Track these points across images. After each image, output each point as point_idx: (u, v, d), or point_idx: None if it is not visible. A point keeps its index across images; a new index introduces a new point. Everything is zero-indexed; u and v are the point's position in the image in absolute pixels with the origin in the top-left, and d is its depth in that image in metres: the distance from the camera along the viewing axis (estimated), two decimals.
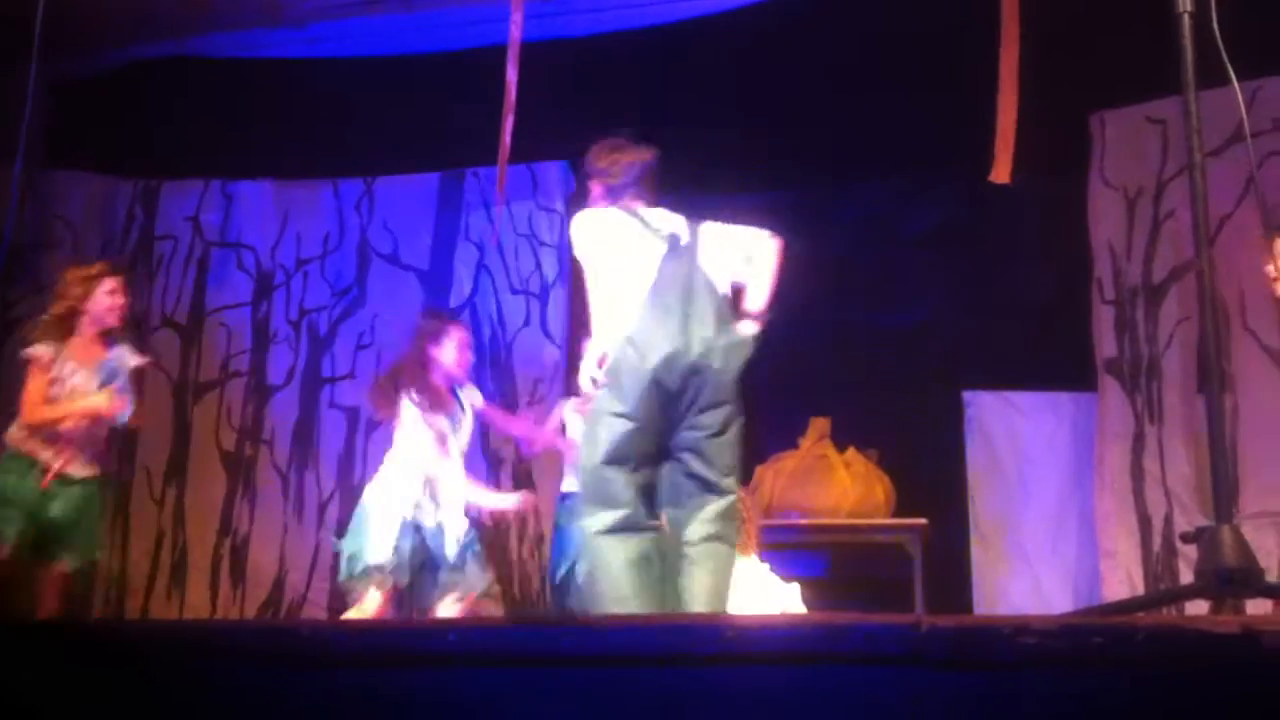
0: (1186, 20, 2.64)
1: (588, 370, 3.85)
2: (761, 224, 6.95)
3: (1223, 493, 2.36)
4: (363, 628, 2.16)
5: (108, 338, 4.94)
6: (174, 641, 1.89)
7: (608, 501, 3.64)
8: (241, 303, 6.78)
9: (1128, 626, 1.55)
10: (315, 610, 6.41)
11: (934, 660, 1.62)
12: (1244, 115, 2.84)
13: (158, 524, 6.53)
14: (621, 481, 3.64)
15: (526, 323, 6.49)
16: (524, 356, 6.46)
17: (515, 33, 4.93)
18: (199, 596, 6.38)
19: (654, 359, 3.67)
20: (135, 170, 6.85)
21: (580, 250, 4.00)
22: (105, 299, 4.87)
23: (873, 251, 6.89)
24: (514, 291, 6.53)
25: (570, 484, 5.34)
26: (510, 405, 6.26)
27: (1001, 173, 4.10)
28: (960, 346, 6.17)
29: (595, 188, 4.21)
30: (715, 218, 6.95)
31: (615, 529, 3.62)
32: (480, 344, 6.44)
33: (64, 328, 4.82)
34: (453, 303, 6.53)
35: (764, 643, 1.73)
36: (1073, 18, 5.42)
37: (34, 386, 4.73)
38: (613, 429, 3.67)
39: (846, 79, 6.13)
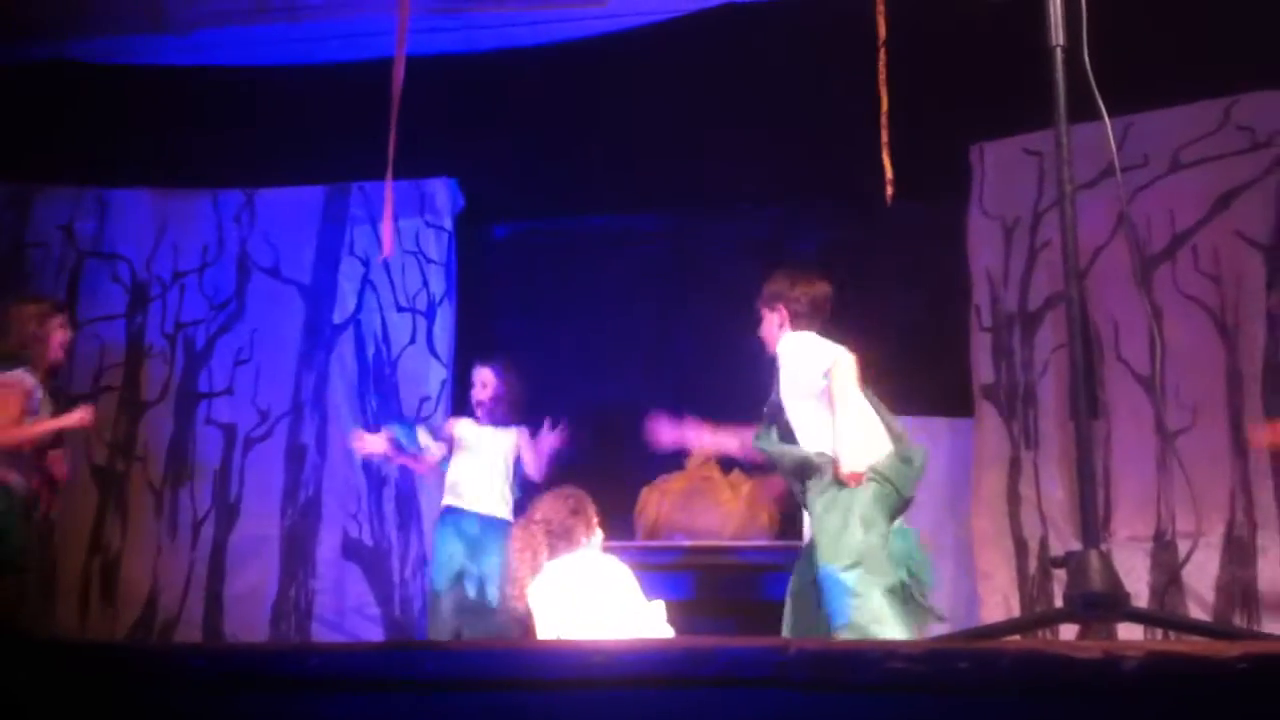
0: (1059, 54, 2.71)
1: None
2: (645, 246, 7.02)
3: (1091, 519, 2.41)
4: (224, 650, 2.10)
5: (53, 371, 5.08)
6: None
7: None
8: (115, 314, 6.59)
9: (993, 652, 1.56)
10: (189, 631, 6.24)
11: (800, 683, 1.62)
12: (1114, 150, 2.87)
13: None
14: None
15: (412, 340, 6.41)
16: (409, 375, 6.38)
17: (400, 46, 4.89)
18: (69, 614, 6.17)
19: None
20: (7, 174, 6.63)
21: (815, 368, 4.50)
22: (59, 334, 5.00)
23: (756, 275, 6.95)
24: (400, 309, 6.45)
25: (450, 500, 5.37)
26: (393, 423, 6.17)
27: (890, 194, 4.18)
28: None
29: (781, 312, 4.76)
30: (597, 237, 7.03)
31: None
32: (364, 362, 6.36)
33: (23, 359, 4.85)
34: (336, 319, 6.43)
35: (631, 666, 1.72)
36: (955, 50, 5.54)
37: (11, 408, 4.75)
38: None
39: (733, 103, 6.18)
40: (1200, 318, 5.68)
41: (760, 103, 6.17)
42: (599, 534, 4.61)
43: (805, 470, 4.32)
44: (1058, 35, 2.72)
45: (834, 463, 4.23)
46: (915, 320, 6.44)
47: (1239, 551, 5.29)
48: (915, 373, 6.24)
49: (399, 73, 4.73)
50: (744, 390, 6.59)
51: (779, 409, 4.53)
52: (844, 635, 3.94)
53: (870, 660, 1.59)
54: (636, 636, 4.15)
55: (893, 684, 1.58)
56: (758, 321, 4.69)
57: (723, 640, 1.69)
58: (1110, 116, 5.81)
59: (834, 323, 6.61)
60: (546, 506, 4.58)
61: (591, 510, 4.62)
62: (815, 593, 4.20)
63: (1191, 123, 5.81)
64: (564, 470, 5.78)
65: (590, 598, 4.32)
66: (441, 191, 6.50)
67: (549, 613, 4.34)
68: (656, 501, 5.78)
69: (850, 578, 3.98)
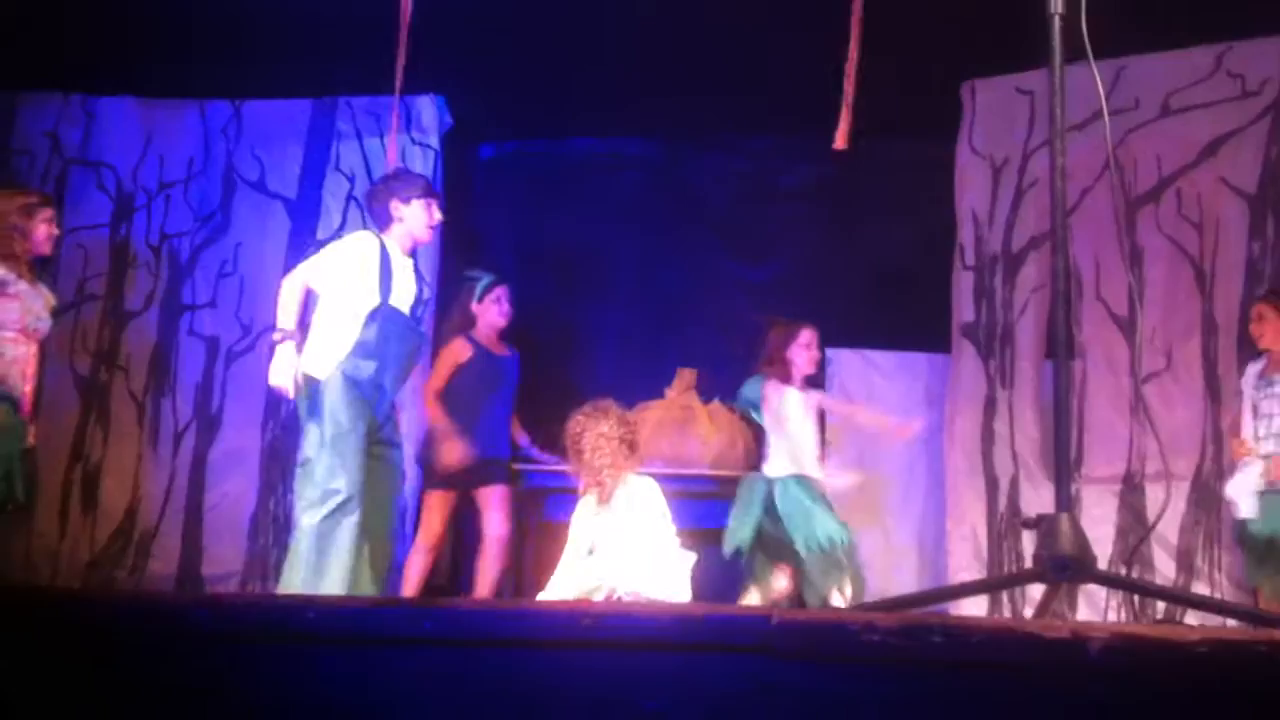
0: (1056, 22, 2.71)
1: None
2: (631, 171, 7.00)
3: (1063, 482, 2.47)
4: (223, 601, 2.15)
5: (37, 267, 4.97)
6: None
7: None
8: (100, 224, 6.56)
9: (966, 628, 1.63)
10: (167, 543, 6.30)
11: (784, 652, 1.68)
12: (1102, 95, 2.89)
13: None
14: None
15: None
16: None
17: None
18: (49, 524, 6.22)
19: None
20: None
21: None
22: (44, 228, 4.88)
23: (745, 205, 6.97)
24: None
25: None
26: None
27: (842, 138, 4.17)
28: (825, 304, 6.28)
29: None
30: (584, 161, 7.00)
31: None
32: None
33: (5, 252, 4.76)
34: (320, 234, 6.41)
35: (621, 630, 1.77)
36: None
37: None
38: None
39: (726, 32, 6.12)
40: (1181, 263, 5.73)
41: (753, 32, 6.11)
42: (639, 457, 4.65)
43: None
44: (1057, 4, 2.72)
45: None
46: (900, 257, 6.48)
47: (1205, 496, 5.40)
48: (898, 309, 6.31)
49: None
50: (726, 319, 6.67)
51: None
52: None
53: (848, 632, 1.65)
54: (670, 575, 4.23)
55: (869, 656, 1.65)
56: None
57: (712, 608, 1.75)
58: (1104, 58, 5.84)
59: (818, 258, 6.68)
60: (615, 420, 4.52)
61: (639, 437, 4.67)
62: None
63: (1183, 69, 5.81)
64: (545, 394, 5.85)
65: (646, 527, 4.35)
66: (429, 109, 6.45)
67: (603, 535, 4.38)
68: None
69: None
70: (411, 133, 6.41)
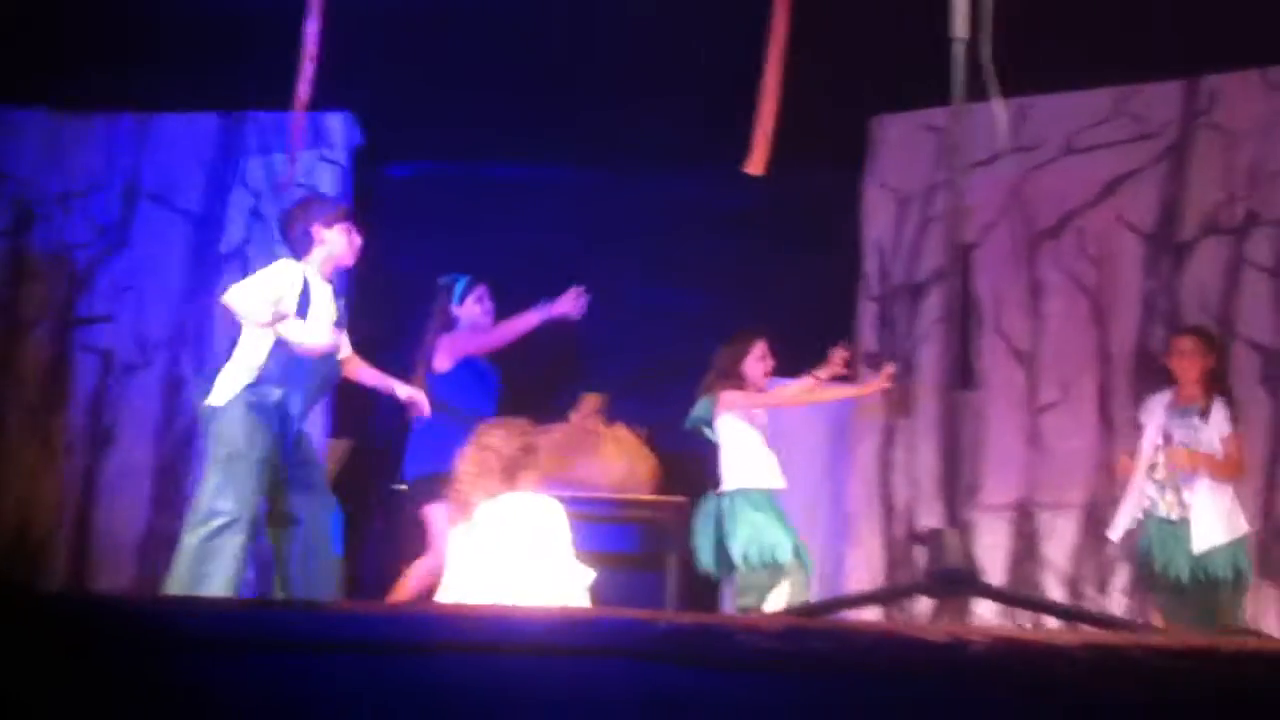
0: (960, 47, 2.76)
1: None
2: (546, 198, 6.97)
3: (954, 497, 2.50)
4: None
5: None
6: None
7: None
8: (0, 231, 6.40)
9: (849, 632, 1.63)
10: (57, 559, 6.14)
11: (671, 657, 1.67)
12: (1003, 132, 2.95)
13: None
14: None
15: None
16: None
17: None
18: None
19: None
20: None
21: None
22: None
23: (661, 234, 6.98)
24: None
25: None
26: None
27: (757, 165, 4.21)
28: (736, 331, 6.31)
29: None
30: (498, 185, 6.96)
31: None
32: None
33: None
34: (223, 250, 6.31)
35: (508, 634, 1.75)
36: (861, 24, 5.59)
37: None
38: None
39: (645, 61, 6.15)
40: (1078, 298, 5.87)
41: (671, 62, 6.15)
42: (537, 475, 4.44)
43: None
44: (960, 28, 2.77)
45: None
46: (809, 287, 6.54)
47: (1097, 526, 5.50)
48: (807, 339, 6.34)
49: (315, 4, 4.64)
50: (641, 346, 6.68)
51: None
52: None
53: (735, 637, 1.65)
54: (553, 594, 4.13)
55: (755, 661, 1.64)
56: None
57: (599, 611, 1.74)
58: (1009, 97, 5.97)
59: (732, 289, 6.71)
60: (501, 436, 4.38)
61: (538, 450, 4.46)
62: None
63: (1086, 109, 5.98)
64: (457, 421, 5.78)
65: (517, 546, 4.18)
66: (338, 125, 6.38)
67: (468, 556, 4.22)
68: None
69: None
70: (320, 149, 6.35)
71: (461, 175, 6.99)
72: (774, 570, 5.05)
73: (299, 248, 4.62)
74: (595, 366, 6.59)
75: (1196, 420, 4.99)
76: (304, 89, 4.50)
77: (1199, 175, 5.71)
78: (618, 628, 1.69)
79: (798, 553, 5.13)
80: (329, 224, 4.61)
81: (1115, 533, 5.08)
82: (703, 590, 5.72)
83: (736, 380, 5.39)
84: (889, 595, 2.50)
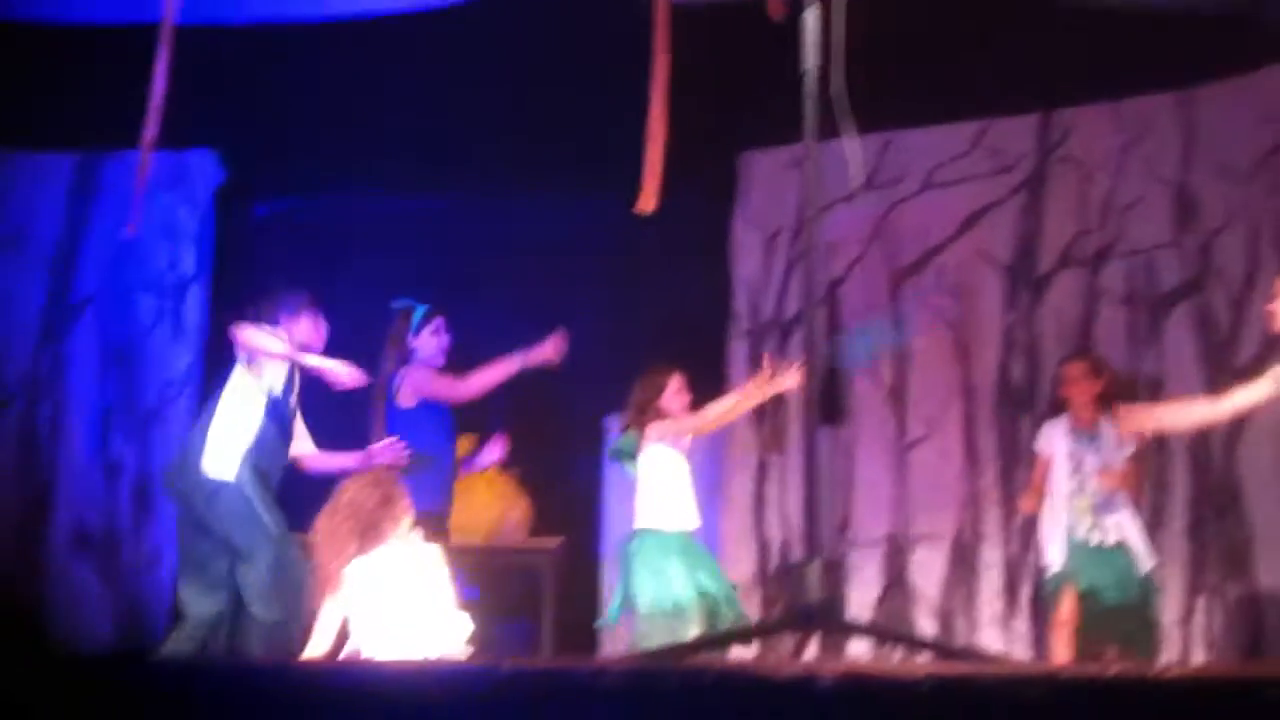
0: (811, 78, 2.79)
1: None
2: (414, 232, 6.90)
3: (815, 531, 2.50)
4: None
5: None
6: None
7: None
8: None
9: (699, 670, 1.61)
10: None
11: (517, 701, 1.63)
12: (857, 167, 2.98)
13: None
14: None
15: (160, 320, 6.15)
16: (155, 357, 6.11)
17: (168, 14, 4.67)
18: None
19: None
20: None
21: None
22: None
23: (532, 267, 6.94)
24: (149, 287, 6.17)
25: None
26: (133, 407, 5.92)
27: (647, 202, 4.21)
28: (606, 371, 6.29)
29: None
30: (366, 219, 6.86)
31: None
32: (108, 341, 6.07)
33: None
34: (79, 295, 6.12)
35: (354, 682, 1.71)
36: (729, 61, 5.65)
37: None
38: None
39: (512, 92, 6.15)
40: (942, 332, 5.96)
41: (539, 95, 6.15)
42: (408, 522, 4.24)
43: None
44: (811, 59, 2.80)
45: None
46: (680, 322, 6.55)
47: (965, 558, 5.58)
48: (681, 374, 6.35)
49: (166, 38, 4.52)
50: (517, 387, 6.61)
51: None
52: None
53: (582, 679, 1.61)
54: (436, 644, 4.02)
55: (605, 701, 1.61)
56: None
57: (444, 660, 1.69)
58: (870, 132, 6.07)
59: (603, 323, 6.70)
60: (354, 493, 4.17)
61: (402, 495, 4.24)
62: None
63: (946, 144, 6.10)
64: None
65: (399, 598, 4.05)
66: (199, 163, 6.25)
67: (361, 616, 4.06)
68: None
69: None
70: (181, 188, 6.20)
71: (329, 210, 6.88)
72: (675, 617, 4.80)
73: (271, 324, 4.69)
74: (465, 407, 6.49)
75: (1099, 442, 5.07)
76: (153, 126, 4.36)
77: (1055, 208, 5.86)
78: (463, 673, 1.65)
79: (711, 597, 4.87)
80: (294, 314, 4.74)
81: (1053, 564, 5.06)
82: (580, 635, 5.65)
83: (656, 416, 5.22)
84: (751, 633, 2.48)
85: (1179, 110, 5.65)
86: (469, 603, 4.82)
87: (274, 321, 4.64)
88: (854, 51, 3.03)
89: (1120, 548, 4.93)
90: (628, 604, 4.95)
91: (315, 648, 4.11)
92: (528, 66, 6.04)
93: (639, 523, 5.09)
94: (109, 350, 6.04)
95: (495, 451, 5.94)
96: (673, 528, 5.03)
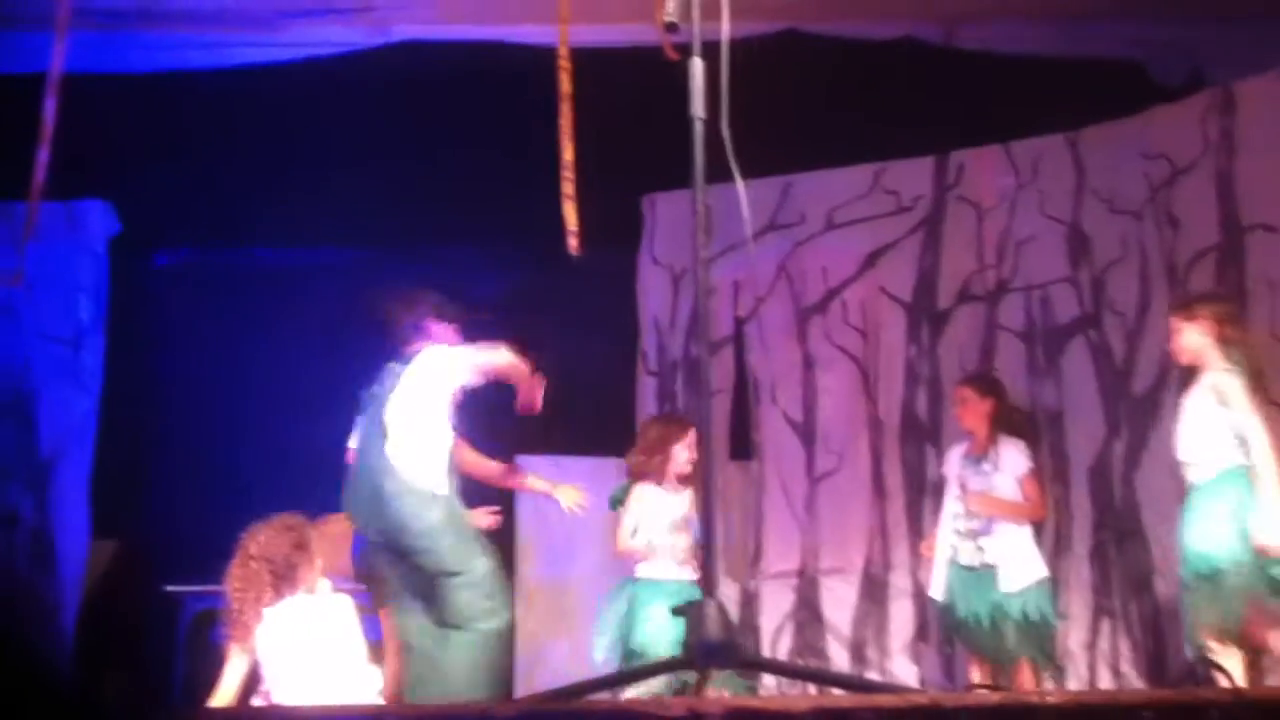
0: (698, 125, 2.82)
1: None
2: (318, 283, 6.84)
3: (711, 569, 2.51)
4: None
5: None
6: None
7: None
8: None
9: (585, 711, 1.61)
10: None
11: None
12: (745, 211, 3.02)
13: None
14: None
15: (56, 370, 6.02)
16: (51, 408, 5.97)
17: (56, 62, 4.61)
18: None
19: None
20: None
21: None
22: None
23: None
24: (43, 337, 6.04)
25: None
26: (30, 457, 5.79)
27: (575, 244, 4.26)
28: (515, 412, 6.28)
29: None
30: (268, 271, 6.79)
31: None
32: (2, 392, 5.94)
33: None
34: None
35: None
36: (634, 102, 5.70)
37: None
38: None
39: (414, 142, 6.16)
40: (848, 368, 6.05)
41: (442, 144, 6.16)
42: (318, 566, 4.29)
43: None
44: (698, 107, 2.83)
45: None
46: (590, 364, 6.57)
47: (875, 588, 5.64)
48: (589, 415, 6.37)
49: (52, 88, 4.45)
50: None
51: None
52: None
53: None
54: (346, 694, 3.98)
55: None
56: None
57: (330, 709, 1.67)
58: (772, 175, 6.15)
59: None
60: (266, 540, 4.17)
61: (312, 540, 4.29)
62: None
63: (845, 185, 6.21)
64: (220, 512, 5.57)
65: (311, 647, 4.04)
66: (94, 214, 6.14)
67: (273, 665, 4.04)
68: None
69: None
70: (75, 238, 6.09)
71: (227, 262, 6.80)
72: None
73: (407, 341, 4.55)
74: None
75: (986, 466, 5.13)
76: (41, 175, 4.30)
77: (952, 246, 5.98)
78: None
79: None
80: (441, 318, 4.62)
81: (935, 591, 5.12)
82: (495, 678, 5.60)
83: (661, 463, 5.07)
84: (649, 671, 2.49)
85: (1069, 150, 5.80)
86: (380, 644, 4.78)
87: (418, 325, 4.56)
88: (750, 98, 3.08)
89: (989, 570, 4.99)
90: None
91: (222, 696, 4.05)
92: (431, 117, 6.05)
93: (639, 572, 5.06)
94: (3, 401, 5.90)
95: None
96: (668, 575, 5.00)
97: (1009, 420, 5.20)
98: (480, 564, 4.25)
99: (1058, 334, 5.74)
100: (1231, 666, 3.95)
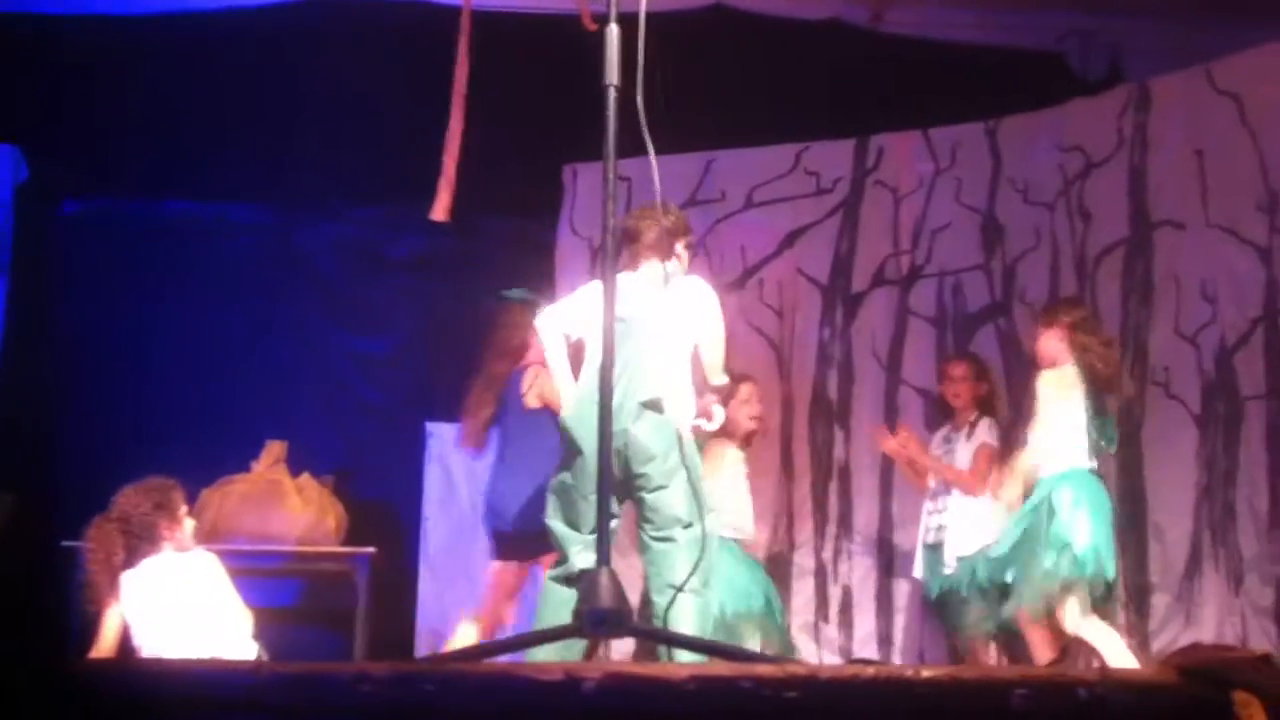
0: (612, 93, 2.81)
1: None
2: (235, 237, 6.73)
3: (603, 540, 2.52)
4: None
5: None
6: None
7: None
8: None
9: (459, 674, 1.60)
10: None
11: (272, 706, 1.60)
12: (657, 183, 3.02)
13: None
14: None
15: None
16: None
17: None
18: None
19: None
20: None
21: None
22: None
23: (354, 275, 6.84)
24: None
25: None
26: None
27: (440, 211, 4.20)
28: (427, 377, 6.24)
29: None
30: (183, 223, 6.67)
31: None
32: None
33: None
34: None
35: (117, 686, 1.65)
36: (556, 73, 5.67)
37: None
38: None
39: (333, 98, 6.07)
40: (763, 347, 6.06)
41: (360, 101, 6.08)
42: (188, 527, 4.29)
43: None
44: (612, 75, 2.82)
45: None
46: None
47: (777, 566, 5.68)
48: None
49: None
50: (334, 393, 6.51)
51: None
52: None
53: (340, 684, 1.59)
54: (215, 649, 3.98)
55: (361, 706, 1.59)
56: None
57: (201, 662, 1.65)
58: (693, 151, 6.13)
59: (426, 332, 6.63)
60: (126, 500, 4.18)
61: (179, 502, 4.27)
62: None
63: (767, 164, 6.21)
64: (127, 468, 5.48)
65: (176, 604, 4.09)
66: (2, 159, 6.00)
67: (138, 623, 4.09)
68: (218, 503, 5.56)
69: None
70: None
71: (138, 213, 6.65)
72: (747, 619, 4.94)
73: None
74: (278, 412, 6.35)
75: (957, 439, 5.22)
76: None
77: (869, 229, 6.02)
78: (218, 677, 1.61)
79: (769, 603, 5.06)
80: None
81: (916, 569, 5.28)
82: (395, 645, 5.58)
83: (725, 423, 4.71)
84: (541, 639, 2.48)
85: (987, 139, 5.86)
86: (280, 609, 4.74)
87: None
88: (675, 72, 3.07)
89: (939, 547, 5.11)
90: None
91: (98, 652, 4.07)
92: (350, 73, 5.96)
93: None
94: None
95: None
96: (737, 534, 5.12)
97: (992, 404, 5.33)
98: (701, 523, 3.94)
99: (968, 321, 5.82)
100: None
